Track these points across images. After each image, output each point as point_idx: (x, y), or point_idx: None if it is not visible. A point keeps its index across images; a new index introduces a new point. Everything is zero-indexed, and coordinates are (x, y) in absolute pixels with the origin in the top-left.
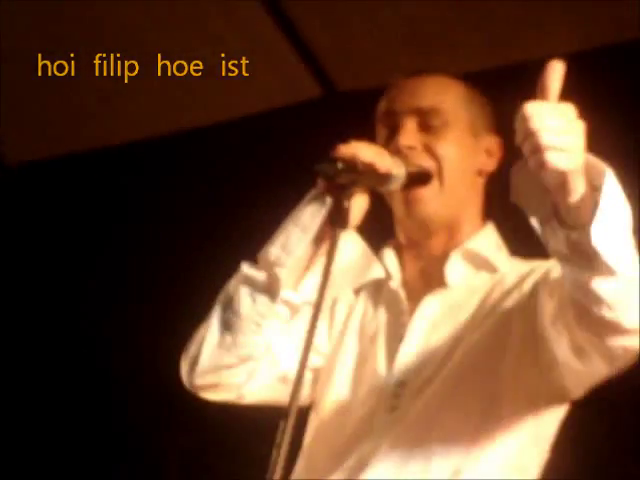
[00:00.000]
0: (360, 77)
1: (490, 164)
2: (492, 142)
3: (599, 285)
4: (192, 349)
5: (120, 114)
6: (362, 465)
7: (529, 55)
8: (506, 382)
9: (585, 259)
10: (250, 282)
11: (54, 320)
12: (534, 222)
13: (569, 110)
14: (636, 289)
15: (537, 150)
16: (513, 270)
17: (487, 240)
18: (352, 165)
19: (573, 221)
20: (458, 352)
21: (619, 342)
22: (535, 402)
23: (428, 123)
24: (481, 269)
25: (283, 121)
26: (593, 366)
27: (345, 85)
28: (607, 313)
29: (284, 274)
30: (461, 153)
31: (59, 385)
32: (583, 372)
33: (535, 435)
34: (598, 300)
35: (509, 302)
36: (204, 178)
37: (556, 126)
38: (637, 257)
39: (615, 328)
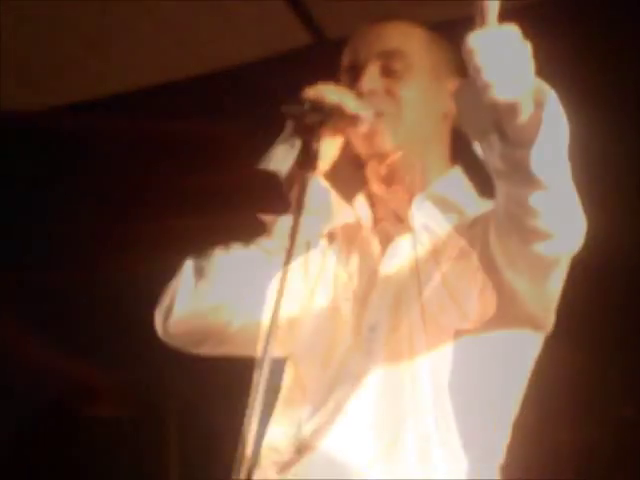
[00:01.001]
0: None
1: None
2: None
3: (535, 199)
4: (165, 300)
5: (108, 63)
6: (340, 408)
7: None
8: (473, 316)
9: (523, 175)
10: None
11: None
12: (474, 137)
13: (513, 33)
14: (566, 200)
15: (486, 87)
16: (479, 210)
17: (453, 183)
18: (319, 106)
19: (518, 139)
20: (427, 290)
21: (547, 248)
22: (504, 329)
23: (391, 67)
24: (447, 211)
25: (272, 70)
26: (525, 278)
27: (333, 33)
28: (539, 223)
29: None
30: (424, 96)
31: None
32: (535, 292)
33: (506, 365)
34: (533, 212)
35: (470, 237)
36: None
37: (501, 56)
38: (568, 169)
39: (545, 236)
